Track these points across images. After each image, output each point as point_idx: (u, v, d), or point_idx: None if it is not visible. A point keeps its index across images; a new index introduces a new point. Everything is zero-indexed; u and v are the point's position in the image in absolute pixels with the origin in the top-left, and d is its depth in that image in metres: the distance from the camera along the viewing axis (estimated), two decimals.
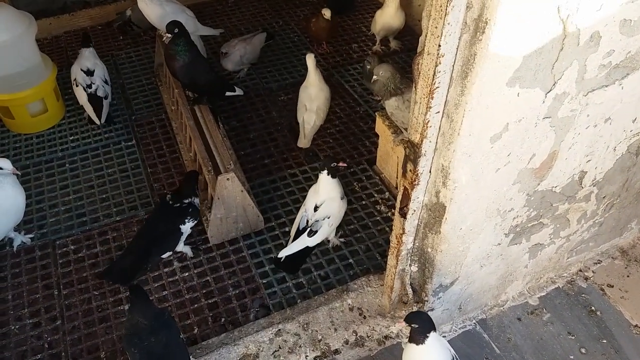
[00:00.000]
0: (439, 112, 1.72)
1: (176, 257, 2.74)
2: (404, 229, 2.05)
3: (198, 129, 2.91)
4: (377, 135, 3.32)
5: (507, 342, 2.40)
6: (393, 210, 2.96)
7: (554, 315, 2.48)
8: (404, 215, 2.01)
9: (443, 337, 2.29)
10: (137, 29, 4.18)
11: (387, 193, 3.08)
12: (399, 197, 2.00)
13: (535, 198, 2.08)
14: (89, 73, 3.35)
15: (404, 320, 1.92)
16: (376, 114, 2.98)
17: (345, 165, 2.58)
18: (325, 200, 2.58)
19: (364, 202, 3.01)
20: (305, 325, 2.40)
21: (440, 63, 1.59)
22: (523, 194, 2.02)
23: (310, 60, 3.19)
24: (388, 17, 3.86)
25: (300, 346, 2.34)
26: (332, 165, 2.54)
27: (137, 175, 3.16)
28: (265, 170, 3.20)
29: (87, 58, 3.41)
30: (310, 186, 2.72)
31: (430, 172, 1.87)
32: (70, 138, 3.40)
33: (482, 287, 2.38)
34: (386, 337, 2.40)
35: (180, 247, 2.67)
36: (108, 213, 2.96)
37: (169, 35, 2.83)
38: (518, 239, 2.24)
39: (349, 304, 2.48)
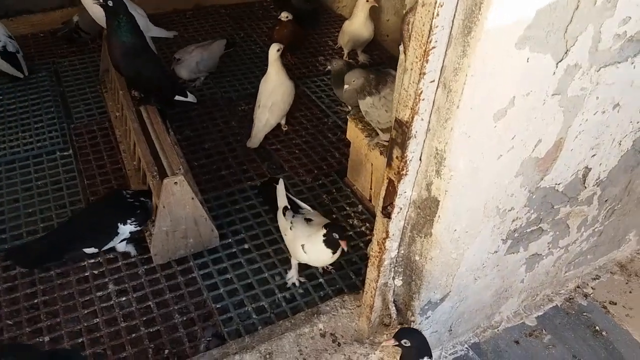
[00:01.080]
0: (433, 80, 1.42)
1: (112, 280, 2.29)
2: (387, 232, 1.71)
3: (144, 132, 2.52)
4: (347, 146, 3.03)
5: None
6: (368, 225, 2.63)
7: (555, 337, 2.17)
8: (387, 215, 1.67)
9: None
10: (85, 35, 3.81)
11: (360, 206, 2.75)
12: (382, 194, 1.67)
13: (537, 197, 1.80)
14: None
15: (393, 337, 1.55)
16: (348, 117, 2.68)
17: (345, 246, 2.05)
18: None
19: (334, 216, 2.66)
20: (267, 356, 1.99)
21: (437, 15, 1.30)
22: (525, 190, 1.73)
23: (272, 50, 2.91)
24: (357, 26, 3.65)
25: None
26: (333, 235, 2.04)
27: (72, 188, 2.72)
28: (222, 183, 2.83)
29: None
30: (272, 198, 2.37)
31: (420, 159, 1.56)
32: None
33: (475, 304, 2.05)
34: None
35: (121, 247, 2.25)
36: (34, 229, 2.50)
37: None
38: (516, 247, 1.94)
39: (320, 329, 2.10)
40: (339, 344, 2.07)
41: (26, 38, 3.90)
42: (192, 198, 2.23)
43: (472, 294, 1.99)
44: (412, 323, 1.95)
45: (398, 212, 1.66)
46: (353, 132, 2.65)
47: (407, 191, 1.61)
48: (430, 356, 1.59)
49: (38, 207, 2.61)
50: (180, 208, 2.22)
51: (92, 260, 2.36)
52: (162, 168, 2.29)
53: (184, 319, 2.17)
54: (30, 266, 2.22)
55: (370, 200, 2.75)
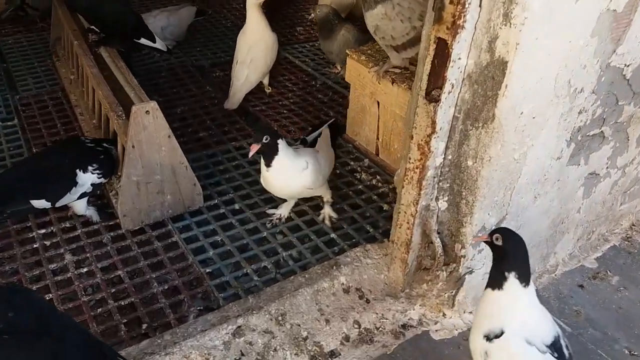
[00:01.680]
0: None
1: (69, 250, 1.80)
2: (434, 124, 1.31)
3: (104, 75, 2.08)
4: (341, 105, 2.68)
5: (577, 316, 1.65)
6: (378, 177, 2.23)
7: (624, 278, 1.79)
8: (434, 99, 1.28)
9: None
10: (33, 12, 3.35)
11: (366, 160, 2.35)
12: (425, 69, 1.28)
13: (606, 80, 1.45)
14: None
15: (489, 233, 1.14)
16: (347, 52, 2.31)
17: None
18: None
19: (338, 172, 2.25)
20: (280, 318, 1.52)
21: None
22: (597, 65, 1.38)
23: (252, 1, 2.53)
24: None
25: (275, 349, 1.45)
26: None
27: (17, 158, 2.22)
28: (201, 145, 2.39)
29: None
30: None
31: (480, 4, 1.18)
32: None
33: (531, 237, 1.65)
34: (404, 325, 1.59)
35: (80, 207, 1.77)
36: None
37: None
38: (577, 156, 1.58)
39: (343, 284, 1.65)
40: (367, 301, 1.63)
41: None
42: (169, 136, 1.78)
43: (530, 220, 1.59)
44: (462, 260, 1.53)
45: (449, 92, 1.27)
46: (354, 69, 2.28)
47: (462, 57, 1.22)
48: (524, 275, 1.17)
49: None
50: (154, 149, 1.77)
51: (43, 231, 1.86)
52: (129, 107, 1.84)
53: (165, 287, 1.69)
54: None
55: (377, 154, 2.35)
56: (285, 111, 2.66)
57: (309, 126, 2.54)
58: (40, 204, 1.72)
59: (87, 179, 1.76)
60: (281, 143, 1.69)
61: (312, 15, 2.77)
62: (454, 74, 1.24)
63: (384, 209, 2.07)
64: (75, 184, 1.74)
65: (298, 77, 3.00)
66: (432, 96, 1.28)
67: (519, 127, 1.32)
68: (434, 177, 1.43)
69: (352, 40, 2.73)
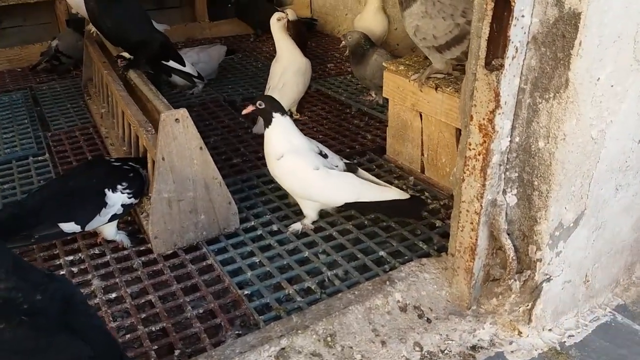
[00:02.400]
0: None
1: (97, 276, 1.65)
2: (497, 96, 1.16)
3: (133, 97, 2.01)
4: (379, 128, 2.57)
5: None
6: (427, 194, 2.05)
7: None
8: (496, 67, 1.13)
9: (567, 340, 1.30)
10: (67, 60, 3.42)
11: (411, 178, 2.18)
12: (484, 34, 1.14)
13: None
14: None
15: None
16: (384, 64, 2.20)
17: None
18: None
19: None
20: (329, 339, 1.32)
21: None
22: None
23: (274, 22, 2.50)
24: (368, 21, 3.29)
25: None
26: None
27: None
28: (236, 170, 2.28)
29: None
30: None
31: None
32: None
33: (613, 240, 1.43)
34: (474, 347, 1.36)
35: (110, 232, 1.64)
36: None
37: None
38: None
39: (399, 301, 1.45)
40: (428, 320, 1.42)
41: (2, 75, 3.50)
42: (201, 148, 1.67)
43: (612, 218, 1.39)
44: (537, 265, 1.32)
45: (513, 57, 1.12)
46: (392, 82, 2.16)
47: (525, 14, 1.08)
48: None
49: None
50: (185, 162, 1.65)
51: (70, 257, 1.73)
52: (158, 121, 1.74)
53: (200, 311, 1.52)
54: None
55: (422, 171, 2.19)
56: (320, 136, 2.54)
57: (347, 149, 2.41)
58: (69, 227, 1.59)
59: (117, 199, 1.64)
60: (277, 117, 1.71)
61: (344, 42, 2.71)
62: (517, 35, 1.10)
63: (437, 225, 1.88)
64: (104, 204, 1.62)
65: (332, 106, 2.91)
66: (494, 65, 1.13)
67: (596, 97, 1.15)
68: (500, 165, 1.26)
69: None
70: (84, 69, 2.95)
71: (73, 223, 1.60)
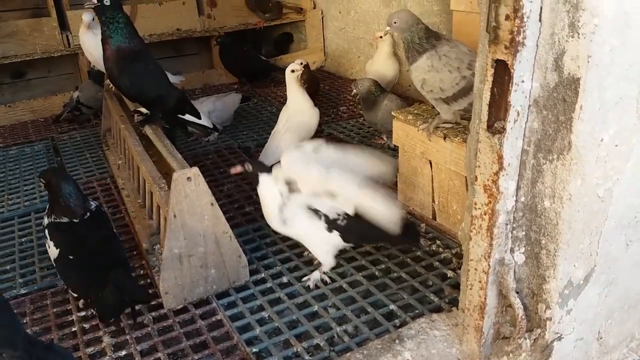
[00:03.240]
0: None
1: (108, 332, 1.66)
2: (501, 159, 1.16)
3: (149, 153, 2.06)
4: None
5: None
6: (438, 242, 2.04)
7: None
8: (499, 130, 1.13)
9: None
10: (87, 110, 3.53)
11: (422, 225, 2.17)
12: (484, 99, 1.15)
13: None
14: None
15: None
16: (393, 113, 2.22)
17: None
18: None
19: None
20: None
21: None
22: None
23: (289, 73, 2.56)
24: (380, 65, 3.34)
25: None
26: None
27: None
28: (248, 219, 2.30)
29: None
30: None
31: (541, 16, 1.06)
32: None
33: (626, 294, 1.40)
34: None
35: None
36: (10, 286, 1.93)
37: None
38: None
39: None
40: None
41: (25, 125, 3.63)
42: (212, 204, 1.69)
43: (624, 273, 1.36)
44: (547, 324, 1.29)
45: (515, 121, 1.12)
46: (401, 130, 2.18)
47: (525, 80, 1.09)
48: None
49: (18, 263, 2.06)
50: (196, 218, 1.67)
51: (82, 314, 1.75)
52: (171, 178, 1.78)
53: None
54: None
55: (434, 218, 2.18)
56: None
57: None
58: None
59: None
60: (263, 177, 1.78)
61: (354, 90, 2.76)
62: (518, 99, 1.11)
63: (449, 275, 1.86)
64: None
65: None
66: (495, 128, 1.14)
67: (601, 157, 1.14)
68: (507, 224, 1.25)
69: (396, 109, 2.67)
70: (103, 120, 3.04)
71: None
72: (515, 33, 1.03)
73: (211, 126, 2.58)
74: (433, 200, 2.16)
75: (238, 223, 2.23)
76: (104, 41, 2.15)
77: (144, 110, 2.35)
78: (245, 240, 2.12)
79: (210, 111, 3.07)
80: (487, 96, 1.13)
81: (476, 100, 1.26)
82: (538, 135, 1.16)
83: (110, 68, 2.17)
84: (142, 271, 1.93)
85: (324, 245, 1.82)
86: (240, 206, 2.40)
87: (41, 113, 3.76)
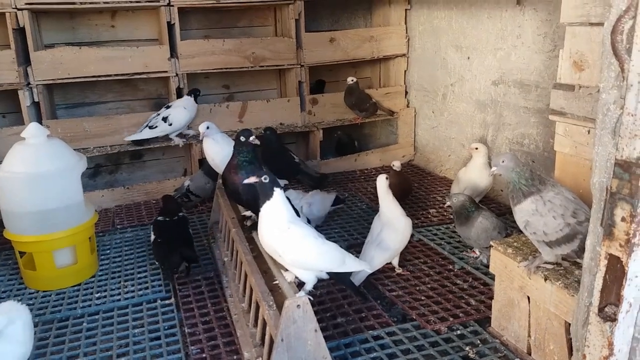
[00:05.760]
0: None
1: None
2: (611, 346, 1.19)
3: (257, 264, 2.24)
4: (483, 293, 2.58)
5: None
6: None
7: None
8: (610, 317, 1.17)
9: None
10: (195, 198, 3.86)
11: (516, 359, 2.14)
12: (597, 284, 1.20)
13: None
14: None
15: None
16: (491, 243, 2.26)
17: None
18: None
19: None
20: None
21: None
22: None
23: (380, 182, 2.69)
24: (473, 174, 3.42)
25: None
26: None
27: (170, 337, 2.38)
28: (339, 332, 2.38)
29: None
30: (401, 351, 2.15)
31: None
32: (96, 295, 2.75)
33: None
34: None
35: None
36: None
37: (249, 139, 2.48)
38: None
39: None
40: None
41: (139, 206, 4.01)
42: (316, 330, 1.81)
43: None
44: None
45: (627, 312, 1.16)
46: (499, 261, 2.21)
47: (638, 275, 1.13)
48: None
49: (132, 356, 2.26)
50: (300, 343, 1.79)
51: None
52: (279, 297, 1.94)
53: None
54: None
55: (529, 353, 2.15)
56: (423, 297, 2.60)
57: (450, 317, 2.44)
58: None
59: None
60: (277, 191, 1.98)
61: (448, 203, 2.83)
62: (631, 292, 1.14)
63: None
64: None
65: (434, 260, 2.98)
66: (606, 313, 1.18)
67: None
68: None
69: (491, 228, 2.71)
70: (212, 213, 3.32)
71: None
72: (631, 235, 1.09)
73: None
74: (529, 335, 2.14)
75: (330, 336, 2.32)
76: (234, 165, 2.45)
77: (250, 214, 2.59)
78: (337, 356, 2.19)
79: (306, 213, 3.26)
80: (599, 283, 1.18)
81: (585, 274, 1.30)
82: None
83: (234, 186, 2.45)
84: None
85: (311, 274, 2.08)
86: (333, 315, 2.49)
87: (153, 195, 4.15)
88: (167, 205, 3.10)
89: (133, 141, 4.00)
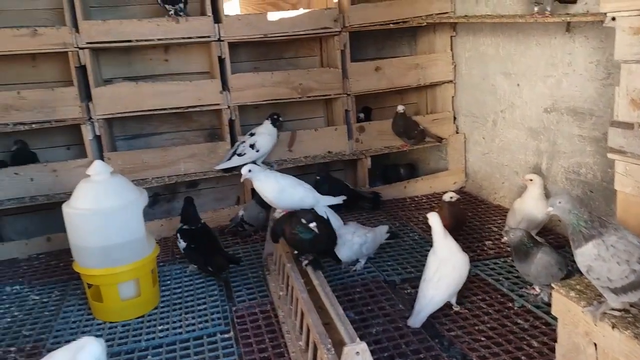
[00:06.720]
0: None
1: None
2: None
3: (314, 303, 2.27)
4: (545, 333, 2.51)
5: None
6: None
7: None
8: None
9: None
10: (249, 227, 3.96)
11: None
12: None
13: None
14: None
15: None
16: (552, 285, 2.21)
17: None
18: None
19: None
20: None
21: None
22: None
23: (433, 219, 2.67)
24: (530, 206, 3.34)
25: None
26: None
27: None
28: None
29: None
30: None
31: None
32: (159, 327, 2.84)
33: None
34: None
35: None
36: None
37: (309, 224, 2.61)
38: None
39: None
40: None
41: None
42: None
43: None
44: None
45: None
46: (561, 305, 2.15)
47: None
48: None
49: None
50: None
51: None
52: (337, 339, 1.96)
53: None
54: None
55: None
56: (482, 338, 2.55)
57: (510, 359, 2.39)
58: None
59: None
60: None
61: (505, 238, 2.79)
62: None
63: None
64: None
65: (492, 297, 2.92)
66: None
67: None
68: None
69: (551, 264, 2.65)
70: (266, 244, 3.38)
71: None
72: None
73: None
74: None
75: None
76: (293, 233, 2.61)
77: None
78: None
79: (361, 244, 3.28)
80: None
81: None
82: None
83: (295, 240, 2.62)
84: None
85: None
86: (390, 356, 2.48)
87: (209, 223, 4.25)
88: (188, 213, 3.41)
89: (222, 170, 4.14)
